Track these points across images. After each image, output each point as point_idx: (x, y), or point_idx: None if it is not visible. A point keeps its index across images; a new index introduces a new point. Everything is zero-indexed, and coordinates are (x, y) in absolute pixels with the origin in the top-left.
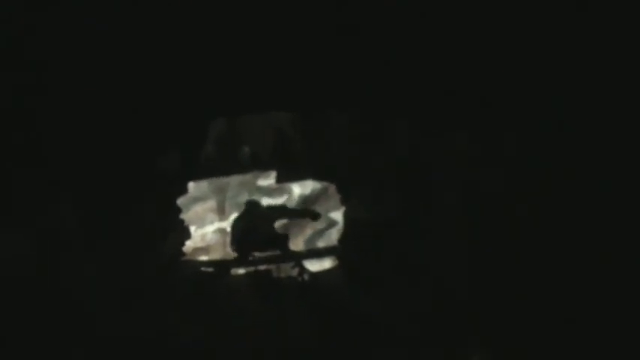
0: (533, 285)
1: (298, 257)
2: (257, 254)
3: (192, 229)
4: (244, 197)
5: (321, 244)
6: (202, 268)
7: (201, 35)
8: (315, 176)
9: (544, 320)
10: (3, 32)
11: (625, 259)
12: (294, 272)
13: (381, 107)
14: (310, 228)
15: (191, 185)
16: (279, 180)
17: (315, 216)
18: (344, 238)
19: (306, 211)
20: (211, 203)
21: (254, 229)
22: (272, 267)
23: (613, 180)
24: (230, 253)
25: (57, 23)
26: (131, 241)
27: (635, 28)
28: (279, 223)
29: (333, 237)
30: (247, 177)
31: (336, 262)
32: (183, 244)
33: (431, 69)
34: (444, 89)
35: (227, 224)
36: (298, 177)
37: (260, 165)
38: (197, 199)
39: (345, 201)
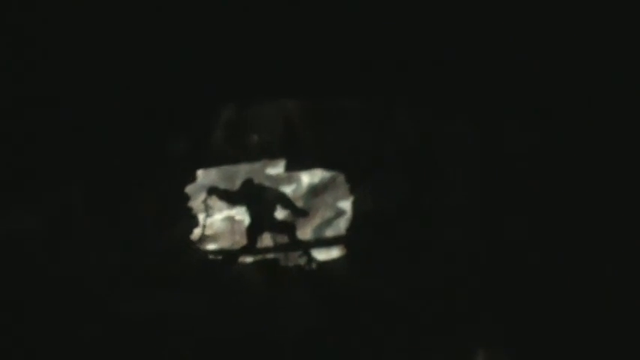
0: (536, 279)
1: (306, 246)
2: (265, 241)
3: (201, 217)
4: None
5: (329, 233)
6: (210, 256)
7: (211, 23)
8: (324, 165)
9: (546, 312)
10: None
11: (627, 252)
12: (302, 261)
13: (389, 98)
14: (319, 217)
15: (200, 173)
16: (287, 169)
17: (302, 214)
18: (352, 227)
19: (297, 209)
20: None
21: (262, 214)
22: (280, 255)
23: (615, 175)
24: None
25: (63, 6)
26: (138, 226)
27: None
28: (286, 212)
29: (341, 226)
30: (256, 165)
31: (344, 251)
32: (191, 231)
33: (436, 60)
34: (449, 82)
35: (235, 212)
36: (307, 166)
37: (269, 153)
38: (206, 187)
39: (353, 190)
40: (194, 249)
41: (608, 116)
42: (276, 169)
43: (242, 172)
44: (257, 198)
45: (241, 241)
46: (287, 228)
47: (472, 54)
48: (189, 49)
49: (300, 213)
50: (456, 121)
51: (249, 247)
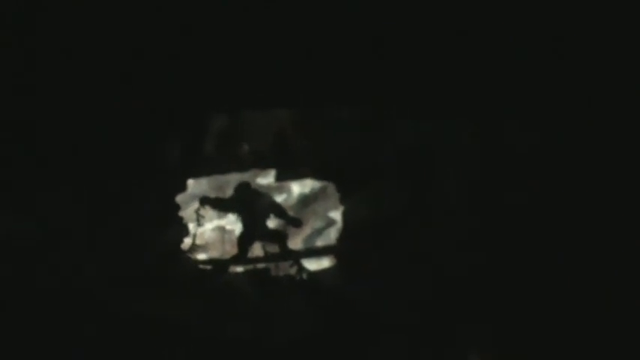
0: (532, 279)
1: (297, 256)
2: (256, 251)
3: (191, 226)
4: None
5: (319, 243)
6: (200, 266)
7: (203, 33)
8: (315, 175)
9: (543, 315)
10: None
11: (625, 253)
12: (293, 271)
13: (381, 106)
14: (309, 227)
15: (190, 182)
16: (278, 178)
17: (296, 223)
18: (342, 237)
19: (290, 218)
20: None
21: (253, 223)
22: (270, 265)
23: (616, 175)
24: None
25: (57, 17)
26: (130, 236)
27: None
28: (277, 222)
29: (331, 236)
30: (247, 175)
31: (335, 261)
32: (181, 241)
33: (436, 60)
34: (448, 82)
35: (226, 222)
36: (298, 176)
37: (260, 163)
38: (196, 197)
39: (343, 200)
40: (184, 258)
41: (608, 116)
42: (267, 178)
43: (233, 181)
44: (250, 206)
45: (232, 250)
46: (279, 237)
47: (472, 54)
48: (182, 58)
49: (293, 222)
50: (456, 121)
51: (240, 257)
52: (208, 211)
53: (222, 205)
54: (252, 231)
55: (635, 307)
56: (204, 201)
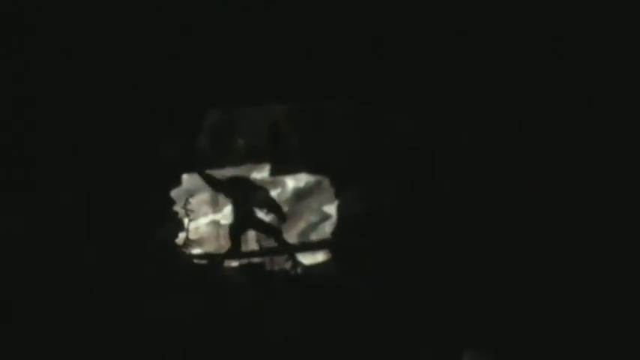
0: (530, 279)
1: (292, 250)
2: (251, 245)
3: (185, 221)
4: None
5: (314, 237)
6: (195, 260)
7: (198, 29)
8: (310, 170)
9: (543, 315)
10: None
11: (625, 253)
12: (288, 265)
13: (378, 101)
14: (304, 221)
15: (185, 177)
16: (273, 173)
17: (282, 217)
18: (337, 231)
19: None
20: (205, 196)
21: (244, 214)
22: (265, 259)
23: (616, 175)
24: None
25: (57, 17)
26: (126, 231)
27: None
28: (272, 217)
29: (326, 230)
30: (241, 170)
31: (329, 255)
32: (176, 235)
33: (430, 61)
34: (447, 82)
35: (221, 216)
36: (292, 170)
37: (254, 158)
38: (190, 191)
39: (338, 194)
40: (179, 253)
41: (608, 116)
42: (262, 173)
43: (227, 176)
44: (243, 197)
45: (227, 245)
46: (273, 231)
47: (471, 54)
48: (177, 54)
49: (280, 216)
50: (456, 121)
51: (234, 251)
52: (202, 206)
53: (215, 185)
54: (242, 221)
55: (635, 307)
56: (210, 182)
